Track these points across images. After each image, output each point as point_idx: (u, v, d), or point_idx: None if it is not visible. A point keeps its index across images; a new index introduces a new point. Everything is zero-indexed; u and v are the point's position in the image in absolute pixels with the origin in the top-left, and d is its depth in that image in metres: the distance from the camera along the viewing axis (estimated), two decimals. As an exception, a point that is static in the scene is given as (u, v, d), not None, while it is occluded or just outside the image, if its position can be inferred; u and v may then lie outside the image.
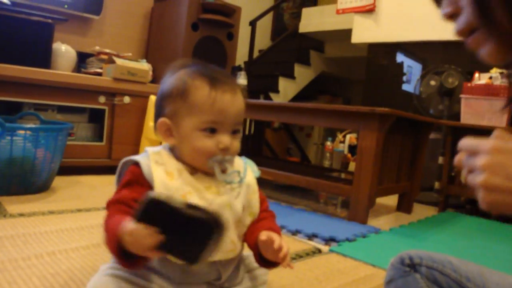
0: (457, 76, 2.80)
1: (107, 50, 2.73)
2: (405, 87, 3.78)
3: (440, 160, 2.79)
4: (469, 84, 2.56)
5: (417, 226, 2.11)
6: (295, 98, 4.50)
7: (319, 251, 1.49)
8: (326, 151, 4.34)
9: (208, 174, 0.82)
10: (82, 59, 2.76)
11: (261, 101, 3.55)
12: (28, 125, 1.90)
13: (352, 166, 3.83)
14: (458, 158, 0.53)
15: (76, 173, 2.41)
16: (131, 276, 0.79)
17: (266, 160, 3.16)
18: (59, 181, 2.09)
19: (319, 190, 2.73)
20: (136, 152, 2.57)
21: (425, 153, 2.46)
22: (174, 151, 0.84)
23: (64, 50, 2.57)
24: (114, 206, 0.76)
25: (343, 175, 2.98)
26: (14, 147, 1.75)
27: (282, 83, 4.35)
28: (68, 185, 2.12)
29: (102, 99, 2.49)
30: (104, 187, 2.17)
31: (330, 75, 5.05)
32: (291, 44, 4.63)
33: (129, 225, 0.64)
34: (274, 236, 0.78)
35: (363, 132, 1.97)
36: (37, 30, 2.34)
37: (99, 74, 2.60)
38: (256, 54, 4.41)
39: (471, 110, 2.53)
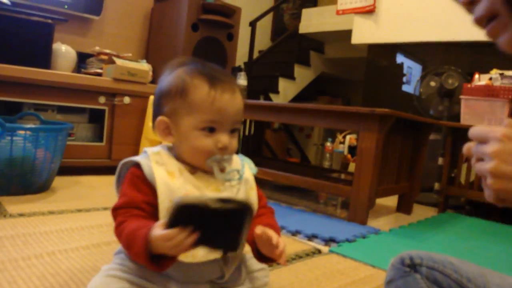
0: (457, 77, 2.80)
1: (107, 51, 2.73)
2: (405, 88, 3.78)
3: (440, 161, 2.79)
4: (469, 85, 2.56)
5: (417, 227, 2.11)
6: (295, 99, 4.51)
7: (319, 251, 1.50)
8: (326, 152, 4.34)
9: (208, 172, 0.82)
10: (82, 59, 2.76)
11: (261, 101, 3.55)
12: (28, 125, 1.90)
13: (352, 167, 3.83)
14: (468, 146, 0.53)
15: (76, 173, 2.41)
16: (133, 276, 0.79)
17: (266, 161, 3.16)
18: (59, 181, 2.09)
19: (319, 191, 2.73)
20: (136, 152, 2.57)
21: (425, 154, 2.46)
22: (173, 151, 0.84)
23: (64, 51, 2.57)
24: (125, 210, 0.76)
25: (343, 176, 2.98)
26: (14, 147, 1.75)
27: (282, 83, 4.36)
28: (68, 185, 2.12)
29: (102, 99, 2.49)
30: (104, 187, 2.17)
31: (330, 76, 5.05)
32: (291, 45, 4.64)
33: (160, 231, 0.66)
34: (270, 232, 0.78)
35: (363, 133, 1.97)
36: (37, 31, 2.34)
37: (99, 74, 2.60)
38: (256, 54, 4.41)
39: (471, 111, 2.53)
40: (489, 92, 2.47)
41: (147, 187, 0.77)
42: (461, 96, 2.58)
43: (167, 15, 3.21)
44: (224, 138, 0.79)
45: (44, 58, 2.38)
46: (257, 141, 3.41)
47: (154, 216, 0.76)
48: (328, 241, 1.64)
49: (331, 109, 2.17)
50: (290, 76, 4.44)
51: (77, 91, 2.39)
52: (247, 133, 3.33)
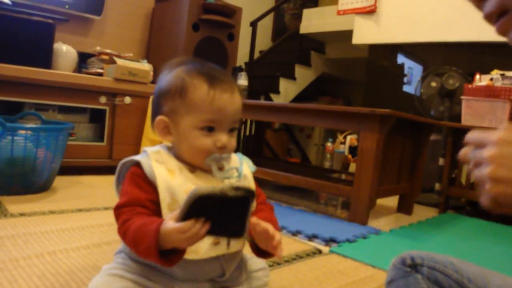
0: (458, 78, 2.80)
1: (108, 51, 2.73)
2: (405, 88, 3.78)
3: (441, 161, 2.79)
4: (470, 86, 2.56)
5: (417, 227, 2.11)
6: (296, 99, 4.50)
7: (320, 251, 1.50)
8: (326, 152, 4.34)
9: (207, 171, 0.82)
10: (83, 59, 2.76)
11: (262, 101, 3.55)
12: (29, 125, 1.90)
13: (352, 167, 3.83)
14: (464, 152, 0.52)
15: (77, 173, 2.41)
16: (134, 275, 0.79)
17: (267, 161, 3.16)
18: (59, 181, 2.10)
19: (319, 191, 2.73)
20: (137, 152, 2.56)
21: (425, 154, 2.46)
22: (172, 150, 0.84)
23: (65, 50, 2.57)
24: (129, 208, 0.76)
25: (343, 176, 2.98)
26: (15, 147, 1.75)
27: (283, 84, 4.36)
28: (68, 185, 2.12)
29: (103, 99, 2.49)
30: (104, 187, 2.17)
31: (331, 76, 5.05)
32: (292, 45, 4.64)
33: (174, 223, 0.67)
34: (266, 224, 0.78)
35: (364, 133, 1.97)
36: (38, 30, 2.34)
37: (100, 74, 2.60)
38: (256, 54, 4.41)
39: (472, 112, 2.53)
40: (490, 92, 2.47)
41: (148, 185, 0.77)
42: (462, 97, 2.58)
43: (168, 15, 3.21)
44: (223, 137, 0.79)
45: (45, 58, 2.39)
46: (258, 141, 3.41)
47: (157, 214, 0.76)
48: (329, 241, 1.64)
49: (331, 109, 2.17)
50: (291, 76, 4.44)
51: (78, 91, 2.39)
52: (247, 133, 3.33)
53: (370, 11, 3.61)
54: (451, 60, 3.12)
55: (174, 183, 0.77)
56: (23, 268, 1.05)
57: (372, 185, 1.94)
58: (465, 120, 2.55)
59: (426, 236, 1.93)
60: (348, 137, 4.21)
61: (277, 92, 4.29)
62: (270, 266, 1.25)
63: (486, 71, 2.64)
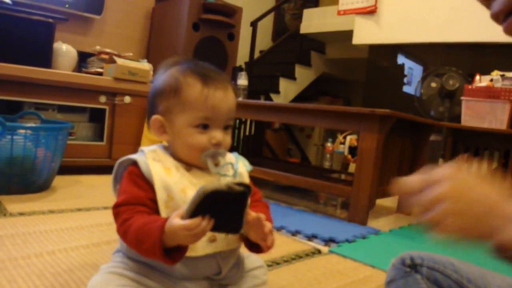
0: (458, 78, 2.80)
1: (108, 50, 2.73)
2: (405, 89, 3.78)
3: (440, 162, 2.79)
4: (470, 86, 2.56)
5: (416, 227, 2.10)
6: (296, 99, 4.50)
7: (319, 251, 1.49)
8: (326, 152, 4.33)
9: (203, 169, 0.83)
10: (83, 58, 2.76)
11: (262, 101, 3.55)
12: (29, 125, 1.90)
13: (352, 167, 3.83)
14: (407, 200, 0.52)
15: (76, 172, 2.41)
16: (132, 273, 0.79)
17: (266, 161, 3.16)
18: (59, 181, 2.09)
19: (319, 191, 2.73)
20: (137, 152, 2.57)
21: (425, 154, 2.46)
22: (168, 149, 0.85)
23: (65, 50, 2.57)
24: (129, 207, 0.76)
25: (343, 176, 2.98)
26: (15, 146, 1.75)
27: (283, 84, 4.36)
28: (68, 184, 2.12)
29: (102, 98, 2.49)
30: (104, 186, 2.17)
31: (331, 76, 5.05)
32: (292, 45, 4.64)
33: (181, 221, 0.67)
34: (259, 213, 0.78)
35: (364, 133, 1.97)
36: (38, 30, 2.34)
37: (100, 73, 2.60)
38: (257, 54, 4.41)
39: (472, 112, 2.53)
40: (490, 93, 2.47)
41: (146, 183, 0.78)
42: (462, 97, 2.58)
43: (168, 14, 3.21)
44: (218, 134, 0.80)
45: (45, 57, 2.39)
46: (258, 141, 3.41)
47: (157, 212, 0.77)
48: (328, 241, 1.63)
49: (331, 110, 2.17)
50: (291, 76, 4.44)
51: (77, 90, 2.39)
52: (247, 133, 3.33)
53: (370, 11, 3.61)
54: (451, 61, 3.12)
55: (171, 180, 0.78)
56: (22, 267, 1.05)
57: (372, 185, 1.94)
58: (465, 121, 2.55)
59: (425, 237, 1.92)
60: (348, 137, 4.21)
61: (277, 92, 4.29)
62: (269, 266, 1.25)
63: (486, 72, 2.64)
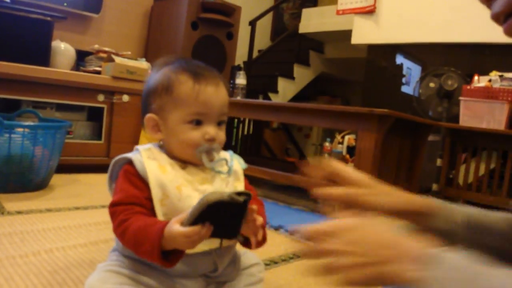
0: (457, 79, 2.80)
1: (106, 49, 2.73)
2: (404, 89, 3.79)
3: (438, 162, 2.79)
4: (468, 87, 2.57)
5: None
6: (294, 99, 4.51)
7: (317, 251, 1.49)
8: (324, 152, 4.34)
9: (198, 166, 0.84)
10: (81, 57, 2.75)
11: (260, 101, 3.55)
12: (27, 123, 1.90)
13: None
14: (310, 246, 0.54)
15: (74, 171, 2.40)
16: (129, 271, 0.80)
17: (265, 160, 3.16)
18: (57, 179, 2.09)
19: (317, 191, 2.72)
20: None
21: (423, 154, 2.47)
22: (163, 148, 0.86)
23: (63, 48, 2.57)
24: (124, 207, 0.76)
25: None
26: (12, 145, 1.74)
27: (282, 83, 4.36)
28: (66, 183, 2.11)
29: (101, 97, 2.49)
30: (102, 185, 2.15)
31: (330, 76, 5.05)
32: (290, 45, 4.64)
33: (182, 227, 0.67)
34: (251, 206, 0.77)
35: (362, 133, 1.97)
36: (36, 28, 2.33)
37: (98, 72, 2.59)
38: (255, 54, 4.41)
39: (470, 113, 2.53)
40: (488, 94, 2.47)
41: (142, 182, 0.78)
42: (461, 98, 2.58)
43: (166, 13, 3.21)
44: (211, 130, 0.81)
45: (43, 56, 2.38)
46: (256, 141, 3.41)
47: (152, 210, 0.77)
48: (326, 241, 1.63)
49: (330, 109, 2.17)
50: (290, 75, 4.44)
51: (75, 89, 2.38)
52: (246, 132, 3.33)
53: (369, 11, 3.61)
54: (449, 61, 3.12)
55: (166, 178, 0.78)
56: (20, 265, 1.05)
57: (370, 185, 1.94)
58: (464, 121, 2.56)
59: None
60: (346, 137, 4.21)
61: (275, 91, 4.29)
62: (267, 265, 1.25)
63: (484, 72, 2.64)
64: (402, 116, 2.03)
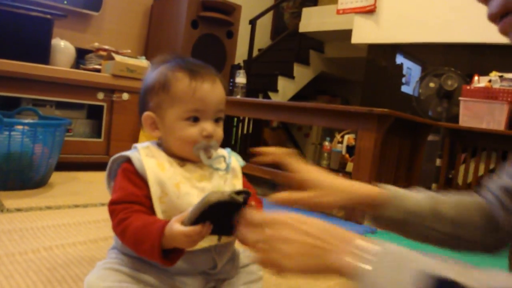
0: (457, 79, 2.80)
1: (106, 47, 2.72)
2: (404, 88, 3.79)
3: (438, 162, 2.79)
4: (468, 87, 2.57)
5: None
6: (294, 98, 4.50)
7: (316, 250, 1.49)
8: (324, 151, 4.34)
9: (196, 164, 0.84)
10: (81, 55, 2.75)
11: (260, 100, 3.55)
12: (26, 121, 1.90)
13: (349, 167, 3.83)
14: (247, 234, 0.60)
15: (74, 169, 2.40)
16: (128, 269, 0.80)
17: (264, 159, 3.16)
18: (56, 177, 2.09)
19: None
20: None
21: (422, 154, 2.47)
22: (161, 146, 0.86)
23: (63, 46, 2.57)
24: (124, 206, 0.76)
25: (340, 175, 2.98)
26: (12, 142, 1.74)
27: (281, 82, 4.35)
28: (65, 180, 2.11)
29: (100, 95, 2.49)
30: (101, 183, 2.15)
31: (330, 75, 5.05)
32: (290, 44, 4.63)
33: (183, 227, 0.68)
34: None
35: (362, 133, 1.97)
36: (36, 26, 2.33)
37: (98, 70, 2.59)
38: (255, 53, 4.41)
39: (470, 113, 2.53)
40: (488, 94, 2.47)
41: (141, 180, 0.78)
42: (460, 98, 2.58)
43: (166, 11, 3.20)
44: (208, 126, 0.81)
45: (43, 54, 2.38)
46: (256, 140, 3.41)
47: (151, 208, 0.77)
48: (325, 240, 1.63)
49: (330, 108, 2.17)
50: (290, 75, 4.44)
51: (75, 87, 2.38)
52: (245, 131, 3.33)
53: (369, 11, 3.61)
54: (450, 61, 3.12)
55: (164, 176, 0.79)
56: (19, 263, 1.05)
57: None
58: (463, 121, 2.56)
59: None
60: (346, 137, 4.22)
61: (275, 90, 4.29)
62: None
63: (484, 72, 2.64)
64: (401, 116, 2.04)
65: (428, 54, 3.55)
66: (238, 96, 2.71)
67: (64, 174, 2.24)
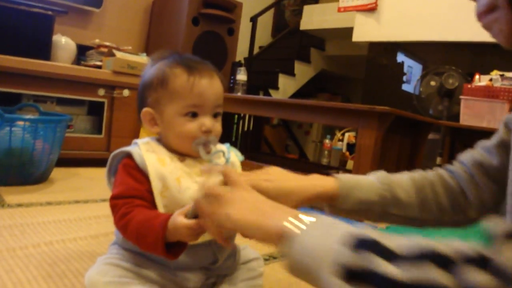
0: (457, 77, 2.80)
1: (107, 43, 2.72)
2: (405, 87, 3.78)
3: (438, 160, 2.80)
4: (469, 86, 2.57)
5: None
6: (295, 95, 4.51)
7: (316, 247, 1.50)
8: (324, 149, 4.35)
9: (196, 159, 0.84)
10: (82, 51, 2.75)
11: (261, 97, 3.55)
12: (27, 116, 1.90)
13: (350, 164, 3.84)
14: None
15: (75, 165, 2.41)
16: (129, 264, 0.80)
17: (264, 156, 3.16)
18: (57, 173, 2.09)
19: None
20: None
21: (423, 153, 2.47)
22: (161, 141, 0.86)
23: (64, 43, 2.56)
24: (126, 200, 0.76)
25: (340, 173, 2.98)
26: (13, 138, 1.75)
27: (282, 80, 4.36)
28: (66, 176, 2.12)
29: (101, 91, 2.49)
30: (102, 179, 2.15)
31: (330, 73, 5.06)
32: (291, 41, 4.64)
33: (186, 220, 0.68)
34: None
35: (362, 130, 1.97)
36: (37, 22, 2.33)
37: (99, 67, 2.59)
38: (256, 50, 4.41)
39: (471, 112, 2.53)
40: (489, 93, 2.48)
41: (142, 175, 0.79)
42: (461, 96, 2.58)
43: (167, 8, 3.20)
44: (207, 121, 0.82)
45: (44, 50, 2.38)
46: (256, 137, 3.42)
47: (153, 203, 0.78)
48: (325, 237, 1.64)
49: (330, 106, 2.17)
50: (290, 72, 4.44)
51: (76, 83, 2.38)
52: (246, 128, 3.33)
53: (370, 9, 3.61)
54: (451, 60, 3.12)
55: (165, 170, 0.79)
56: (20, 257, 1.06)
57: (370, 182, 1.94)
58: (464, 120, 2.56)
59: (422, 234, 1.93)
60: (346, 134, 4.22)
61: (276, 88, 4.30)
62: (266, 260, 1.25)
63: (485, 71, 2.64)
64: (402, 114, 2.04)
65: (429, 53, 3.54)
66: (239, 93, 2.71)
67: (65, 170, 2.25)
